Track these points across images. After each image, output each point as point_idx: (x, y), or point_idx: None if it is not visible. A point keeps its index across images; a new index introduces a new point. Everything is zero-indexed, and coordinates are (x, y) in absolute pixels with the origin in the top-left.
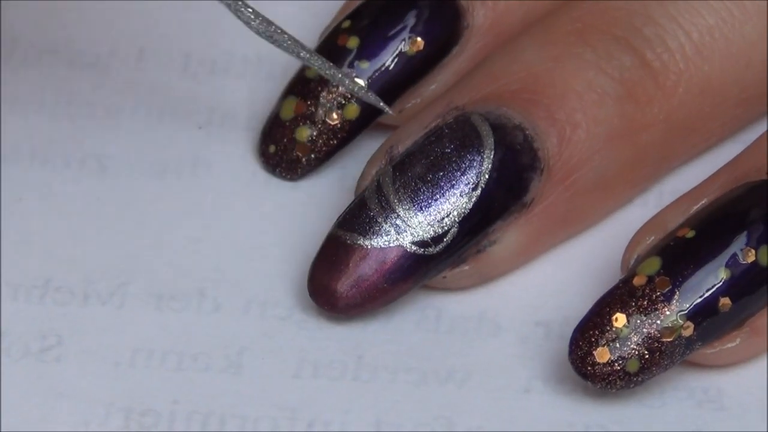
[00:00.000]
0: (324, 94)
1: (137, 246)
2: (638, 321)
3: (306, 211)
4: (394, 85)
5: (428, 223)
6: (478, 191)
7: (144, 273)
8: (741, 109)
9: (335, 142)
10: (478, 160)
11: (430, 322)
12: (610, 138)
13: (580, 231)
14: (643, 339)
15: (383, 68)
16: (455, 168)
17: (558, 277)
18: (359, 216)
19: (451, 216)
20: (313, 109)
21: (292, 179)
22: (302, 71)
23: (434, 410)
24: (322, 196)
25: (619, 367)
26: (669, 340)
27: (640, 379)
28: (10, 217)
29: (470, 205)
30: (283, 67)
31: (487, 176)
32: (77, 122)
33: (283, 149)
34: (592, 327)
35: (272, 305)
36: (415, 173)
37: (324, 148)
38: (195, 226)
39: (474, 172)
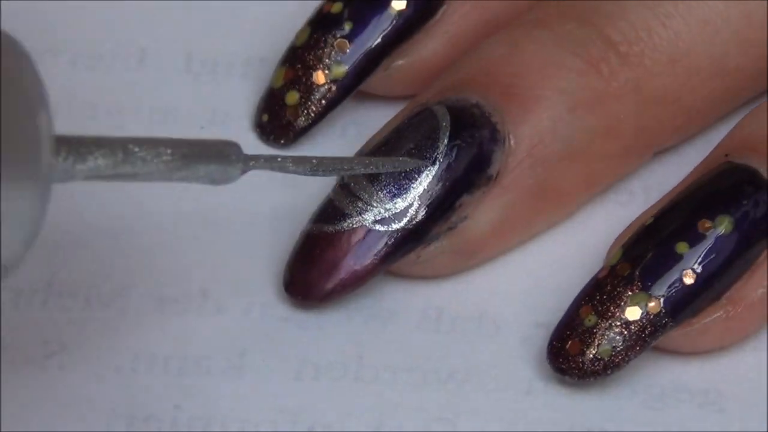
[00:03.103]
0: (310, 57)
1: (138, 248)
2: (602, 308)
3: (308, 212)
4: (380, 46)
5: (389, 200)
6: (436, 166)
7: (146, 275)
8: (718, 81)
9: (325, 102)
10: (435, 137)
11: (431, 323)
12: (573, 107)
13: (564, 207)
14: (610, 324)
15: (368, 28)
16: (412, 147)
17: (558, 278)
18: (325, 209)
19: (410, 191)
20: (300, 74)
21: (286, 144)
22: (292, 43)
23: (435, 411)
24: (324, 197)
25: (591, 356)
26: (635, 319)
27: (614, 363)
28: None
29: (429, 179)
30: None
31: (444, 151)
32: (78, 123)
33: (275, 116)
34: (564, 327)
35: (273, 306)
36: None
37: (314, 109)
38: (196, 227)
39: (431, 148)
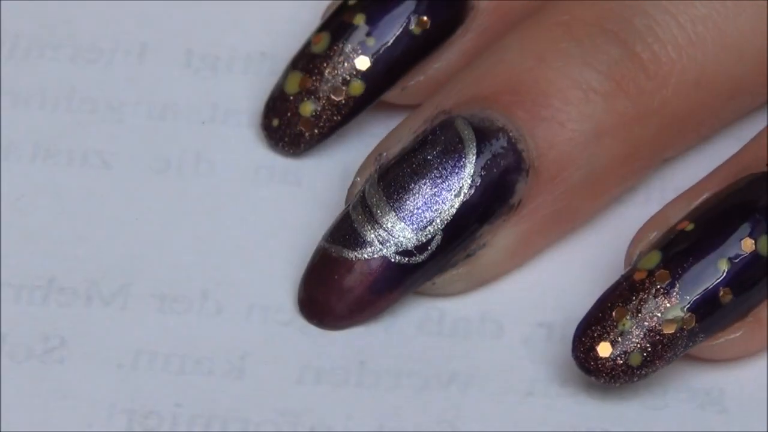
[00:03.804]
0: (329, 69)
1: (140, 245)
2: (639, 314)
3: (310, 212)
4: (399, 63)
5: (411, 232)
6: (462, 197)
7: (147, 273)
8: (735, 101)
9: (339, 117)
10: (461, 165)
11: (433, 325)
12: (599, 134)
13: (573, 228)
14: (644, 332)
15: (388, 45)
16: (437, 175)
17: (560, 277)
18: (344, 228)
19: (434, 224)
20: (317, 85)
21: (294, 154)
22: (307, 46)
23: (437, 414)
24: (326, 197)
25: (621, 361)
26: (671, 332)
27: (643, 372)
28: (11, 215)
29: (454, 212)
30: (285, 63)
31: (470, 181)
32: (79, 118)
33: (287, 123)
34: (593, 323)
35: (274, 310)
36: (397, 183)
37: (328, 124)
38: (198, 224)
39: (457, 178)
